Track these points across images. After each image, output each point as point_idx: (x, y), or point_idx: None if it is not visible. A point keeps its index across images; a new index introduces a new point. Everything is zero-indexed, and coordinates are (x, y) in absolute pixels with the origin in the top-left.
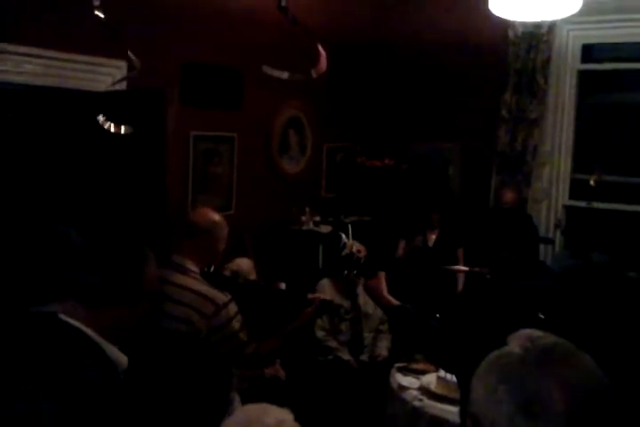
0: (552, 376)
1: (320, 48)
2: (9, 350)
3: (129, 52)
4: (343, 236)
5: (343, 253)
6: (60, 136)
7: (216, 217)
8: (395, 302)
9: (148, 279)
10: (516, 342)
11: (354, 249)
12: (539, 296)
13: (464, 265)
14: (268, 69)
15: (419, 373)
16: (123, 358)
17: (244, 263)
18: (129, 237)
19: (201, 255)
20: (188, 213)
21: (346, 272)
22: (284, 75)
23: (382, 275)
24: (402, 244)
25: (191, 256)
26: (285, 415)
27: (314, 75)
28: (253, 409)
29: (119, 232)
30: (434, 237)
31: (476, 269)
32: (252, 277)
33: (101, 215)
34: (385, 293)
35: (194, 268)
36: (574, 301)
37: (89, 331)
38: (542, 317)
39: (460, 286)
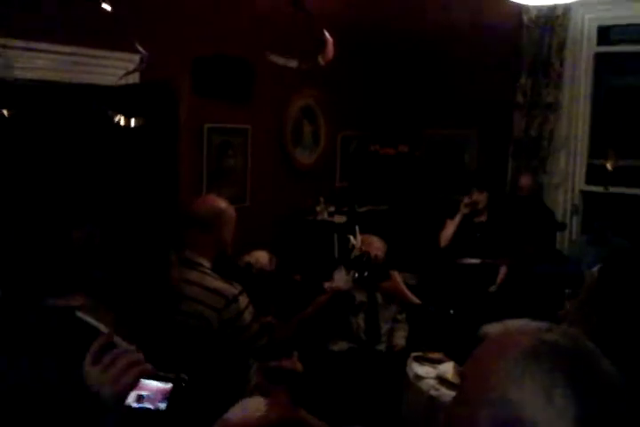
0: (577, 373)
1: (327, 35)
2: (24, 343)
3: (136, 44)
4: (352, 238)
5: (352, 256)
6: (72, 131)
7: (218, 203)
8: (416, 300)
9: (172, 283)
10: (528, 334)
11: (369, 249)
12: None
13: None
14: (274, 58)
15: (435, 362)
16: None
17: (261, 256)
18: (154, 238)
19: (209, 246)
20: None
21: (356, 275)
22: (293, 63)
23: (396, 274)
24: (448, 222)
25: (199, 249)
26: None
27: (321, 62)
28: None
29: (143, 234)
30: (481, 220)
31: (489, 260)
32: (270, 269)
33: (114, 210)
34: (404, 291)
35: (203, 261)
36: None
37: (106, 329)
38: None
39: (501, 276)
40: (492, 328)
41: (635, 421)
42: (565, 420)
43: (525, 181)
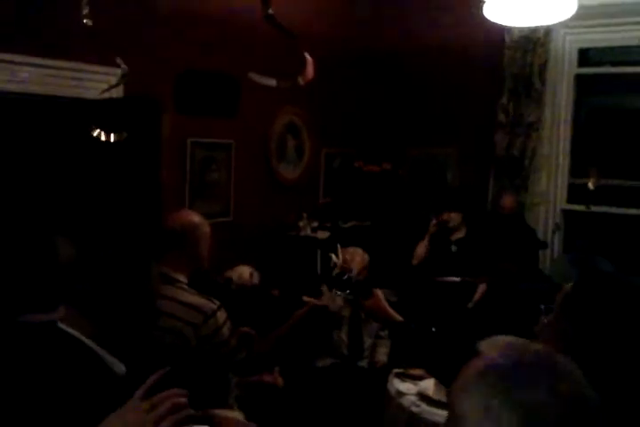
0: (546, 389)
1: (307, 56)
2: (5, 358)
3: (117, 59)
4: (333, 256)
5: (334, 274)
6: (53, 144)
7: (192, 218)
8: (398, 317)
9: (154, 295)
10: (499, 352)
11: (351, 262)
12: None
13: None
14: (255, 77)
15: (416, 378)
16: (120, 367)
17: (243, 271)
18: (137, 252)
19: (184, 261)
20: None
21: (339, 293)
22: (272, 82)
23: (378, 292)
24: (422, 245)
25: (175, 264)
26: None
27: (301, 82)
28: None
29: (125, 246)
30: (456, 241)
31: (469, 279)
32: (251, 284)
33: (96, 225)
34: (387, 310)
35: (179, 276)
36: (590, 311)
37: (87, 341)
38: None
39: (479, 295)
40: (485, 344)
41: None
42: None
43: (508, 201)
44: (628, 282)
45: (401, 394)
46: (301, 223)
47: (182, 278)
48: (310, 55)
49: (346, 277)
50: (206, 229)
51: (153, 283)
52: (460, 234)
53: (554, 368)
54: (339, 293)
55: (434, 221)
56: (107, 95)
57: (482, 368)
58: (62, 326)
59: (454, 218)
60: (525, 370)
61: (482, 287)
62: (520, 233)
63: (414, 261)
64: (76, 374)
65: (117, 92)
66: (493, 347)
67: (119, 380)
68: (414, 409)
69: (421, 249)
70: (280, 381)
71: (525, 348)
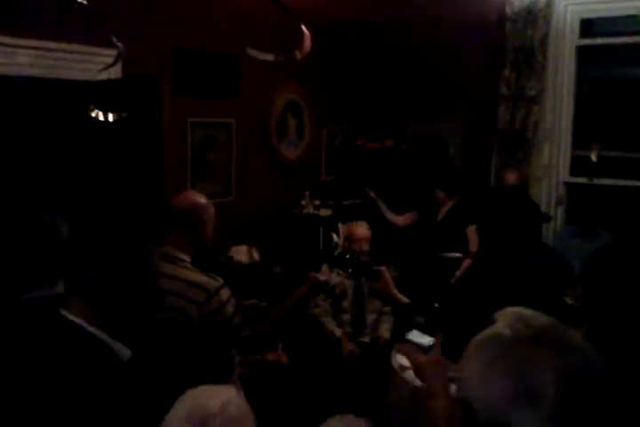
0: (544, 360)
1: (304, 29)
2: (8, 345)
3: (112, 38)
4: (334, 236)
5: (335, 254)
6: (53, 126)
7: (196, 199)
8: (404, 299)
9: (154, 277)
10: (506, 322)
11: (355, 234)
12: (545, 275)
13: (477, 243)
14: (252, 52)
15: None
16: (126, 352)
17: (242, 250)
18: (135, 232)
19: (188, 241)
20: (169, 199)
21: (340, 272)
22: (269, 57)
23: (386, 274)
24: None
25: (179, 244)
26: (230, 394)
27: (298, 56)
28: (196, 394)
29: (124, 227)
30: (441, 214)
31: (469, 255)
32: (250, 262)
33: (98, 205)
34: (394, 292)
35: (183, 256)
36: (613, 284)
37: (92, 328)
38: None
39: (461, 270)
40: (498, 314)
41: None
42: (495, 387)
43: (511, 178)
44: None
45: (404, 368)
46: (303, 202)
47: (186, 258)
48: (308, 30)
49: (348, 256)
50: (211, 210)
51: (154, 264)
52: (445, 207)
53: (556, 341)
54: (340, 272)
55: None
56: (105, 76)
57: (486, 337)
58: (65, 312)
59: (439, 195)
60: (527, 341)
61: (466, 262)
62: (523, 207)
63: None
64: (79, 359)
65: (116, 73)
66: (503, 317)
67: (123, 365)
68: (417, 383)
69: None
70: (284, 358)
71: (532, 320)
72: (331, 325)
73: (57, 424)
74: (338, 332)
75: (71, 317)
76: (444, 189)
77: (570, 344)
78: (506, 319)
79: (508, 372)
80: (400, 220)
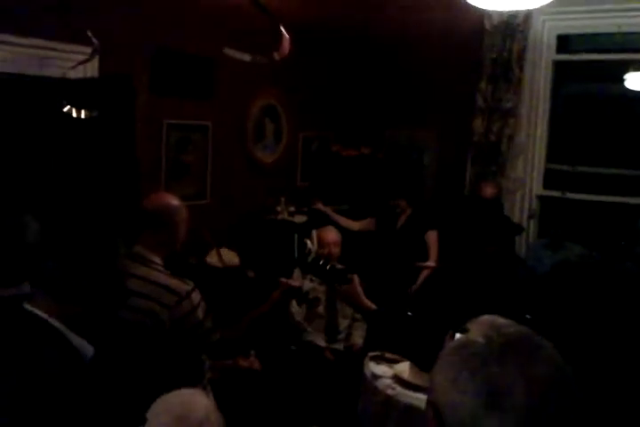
0: (516, 368)
1: (283, 31)
2: None
3: (89, 33)
4: (308, 242)
5: (309, 260)
6: (27, 123)
7: (169, 200)
8: (372, 305)
9: (119, 274)
10: (479, 331)
11: (326, 239)
12: (516, 289)
13: (437, 249)
14: (229, 51)
15: (392, 361)
16: (88, 349)
17: (225, 253)
18: (102, 230)
19: (160, 243)
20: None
21: (313, 278)
22: (246, 57)
23: (356, 279)
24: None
25: (150, 246)
26: (206, 401)
27: (277, 57)
28: (177, 403)
29: (91, 224)
30: (401, 220)
31: (446, 264)
32: (224, 265)
33: (70, 205)
34: (361, 297)
35: (155, 258)
36: (569, 296)
37: (54, 322)
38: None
39: (423, 277)
40: (471, 323)
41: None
42: (465, 396)
43: (489, 190)
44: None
45: (376, 377)
46: (279, 207)
47: (157, 260)
48: (287, 33)
49: (321, 262)
50: (184, 212)
51: (119, 261)
52: (404, 215)
53: (528, 350)
54: (313, 278)
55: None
56: (82, 74)
57: (458, 344)
58: (28, 306)
59: (400, 203)
60: (498, 349)
61: (425, 273)
62: (497, 220)
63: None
64: (42, 355)
65: (92, 72)
66: (476, 325)
67: (83, 360)
68: (390, 392)
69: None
70: (257, 364)
71: (505, 328)
72: (312, 334)
73: (12, 416)
74: (321, 342)
75: (34, 310)
76: (406, 199)
77: (542, 354)
78: (479, 327)
79: (478, 380)
80: (355, 225)
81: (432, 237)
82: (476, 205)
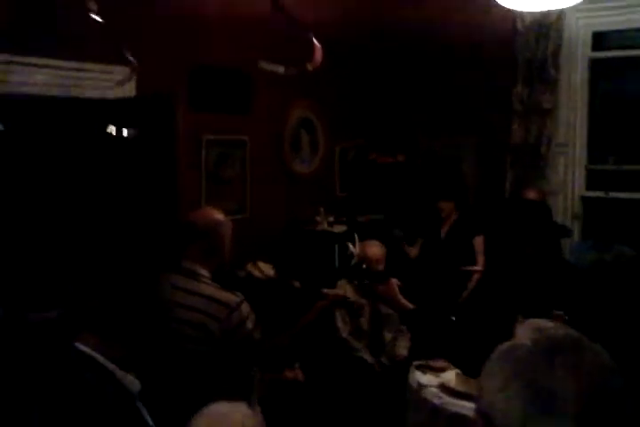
0: (564, 371)
1: (315, 41)
2: (17, 374)
3: (126, 52)
4: (350, 245)
5: (352, 263)
6: (69, 145)
7: (215, 215)
8: (409, 305)
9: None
10: (525, 334)
11: (367, 253)
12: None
13: (484, 254)
14: (264, 64)
15: (438, 370)
16: (135, 383)
17: (263, 266)
18: (141, 261)
19: (207, 257)
20: (188, 215)
21: (356, 282)
22: (280, 69)
23: (392, 280)
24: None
25: (198, 260)
26: (245, 408)
27: (309, 68)
28: (214, 408)
29: (130, 255)
30: (445, 228)
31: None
32: (271, 277)
33: (112, 224)
34: (398, 297)
35: (203, 271)
36: (601, 296)
37: (101, 359)
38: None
39: (473, 283)
40: (518, 326)
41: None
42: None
43: (531, 195)
44: None
45: (422, 386)
46: (318, 218)
47: (205, 273)
48: (319, 43)
49: (365, 266)
50: (229, 226)
51: (162, 294)
52: (448, 222)
53: (577, 352)
54: (356, 282)
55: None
56: (120, 94)
57: (505, 349)
58: (79, 345)
59: (446, 207)
60: (546, 352)
61: (476, 276)
62: (539, 221)
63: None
64: (88, 392)
65: (130, 91)
66: (522, 329)
67: (133, 397)
68: (436, 401)
69: (414, 251)
70: (301, 376)
71: (552, 330)
72: (363, 352)
73: None
74: (370, 359)
75: (84, 349)
76: (454, 200)
77: (590, 356)
78: (525, 331)
79: (527, 385)
80: (413, 251)
81: (479, 242)
82: (518, 208)
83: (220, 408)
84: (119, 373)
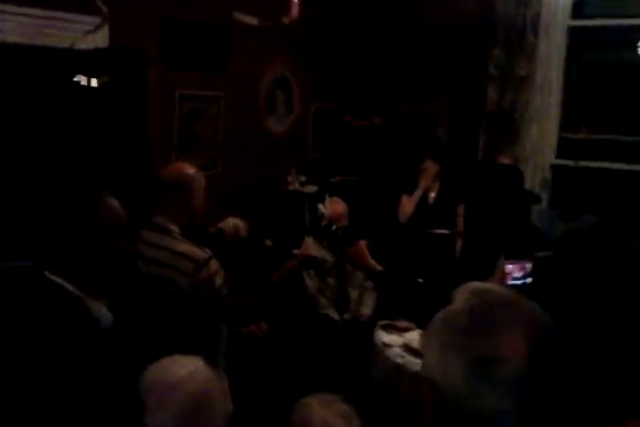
0: (499, 334)
1: None
2: None
3: (98, 2)
4: (320, 207)
5: (322, 224)
6: (38, 94)
7: (187, 170)
8: (378, 267)
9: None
10: (462, 299)
11: (329, 211)
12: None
13: (463, 217)
14: (238, 15)
15: (402, 330)
16: (107, 316)
17: (235, 222)
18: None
19: (178, 212)
20: (159, 170)
21: (325, 244)
22: (254, 21)
23: (361, 242)
24: (405, 199)
25: (169, 215)
26: (198, 364)
27: (285, 21)
28: (162, 363)
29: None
30: (433, 194)
31: (456, 231)
32: (243, 235)
33: (81, 174)
34: (367, 258)
35: (173, 226)
36: (567, 270)
37: (71, 288)
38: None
39: (459, 247)
40: (457, 291)
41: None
42: (455, 364)
43: (505, 161)
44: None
45: (386, 346)
46: (290, 178)
47: (175, 228)
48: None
49: (334, 227)
50: (201, 181)
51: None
52: (435, 187)
53: (512, 313)
54: (325, 243)
55: (406, 200)
56: (93, 45)
57: (443, 315)
58: (48, 273)
59: (431, 167)
60: (480, 316)
61: (460, 241)
62: (511, 186)
63: (401, 219)
64: (59, 323)
65: (103, 42)
66: (460, 293)
67: (104, 328)
68: (399, 360)
69: (409, 207)
70: (264, 330)
71: (488, 294)
72: (328, 308)
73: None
74: (335, 315)
75: (54, 278)
76: (434, 157)
77: (526, 315)
78: (462, 296)
79: (464, 351)
80: (408, 206)
81: (460, 209)
82: (492, 173)
83: (167, 362)
84: (91, 303)
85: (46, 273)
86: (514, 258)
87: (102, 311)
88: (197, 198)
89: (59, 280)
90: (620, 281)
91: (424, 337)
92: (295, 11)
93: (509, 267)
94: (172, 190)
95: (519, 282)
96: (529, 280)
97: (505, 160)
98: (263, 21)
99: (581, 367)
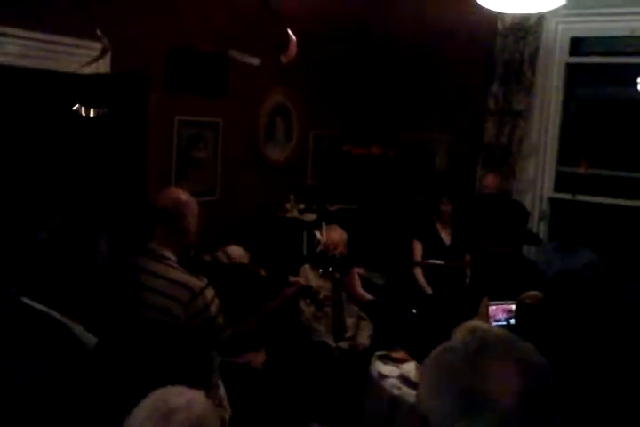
0: (490, 372)
1: (290, 33)
2: None
3: (98, 32)
4: (317, 234)
5: (317, 250)
6: (38, 118)
7: (179, 195)
8: (368, 296)
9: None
10: (459, 335)
11: (329, 239)
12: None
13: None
14: (236, 54)
15: (399, 361)
16: (91, 339)
17: (235, 250)
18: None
19: (172, 238)
20: (153, 196)
21: (321, 271)
22: (255, 60)
23: (355, 271)
24: (417, 245)
25: (164, 242)
26: (196, 393)
27: (284, 60)
28: (162, 391)
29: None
30: (446, 233)
31: (452, 262)
32: (241, 262)
33: (78, 201)
34: (358, 288)
35: (169, 254)
36: (556, 311)
37: (54, 313)
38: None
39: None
40: (456, 329)
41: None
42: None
43: (490, 179)
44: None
45: (383, 376)
46: (288, 205)
47: (171, 256)
48: (299, 35)
49: (330, 254)
50: (194, 206)
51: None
52: (447, 228)
53: (505, 353)
54: (321, 270)
55: (418, 246)
56: (94, 70)
57: (439, 351)
58: (27, 300)
59: (448, 209)
60: (473, 354)
61: (469, 271)
62: (504, 212)
63: (416, 259)
64: (41, 346)
65: (105, 68)
66: (459, 330)
67: (88, 352)
68: (396, 392)
69: (419, 254)
70: (261, 359)
71: (484, 332)
72: (325, 336)
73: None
74: (331, 343)
75: (35, 304)
76: (450, 198)
77: (518, 355)
78: (459, 333)
79: (454, 386)
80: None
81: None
82: (499, 207)
83: (167, 391)
84: (74, 326)
85: (25, 299)
86: (501, 297)
87: (85, 334)
88: (191, 224)
89: (39, 306)
90: (606, 331)
91: (419, 371)
92: (293, 50)
93: (492, 309)
94: (165, 216)
95: (503, 323)
96: (512, 322)
97: (490, 178)
98: (263, 61)
99: (571, 408)
